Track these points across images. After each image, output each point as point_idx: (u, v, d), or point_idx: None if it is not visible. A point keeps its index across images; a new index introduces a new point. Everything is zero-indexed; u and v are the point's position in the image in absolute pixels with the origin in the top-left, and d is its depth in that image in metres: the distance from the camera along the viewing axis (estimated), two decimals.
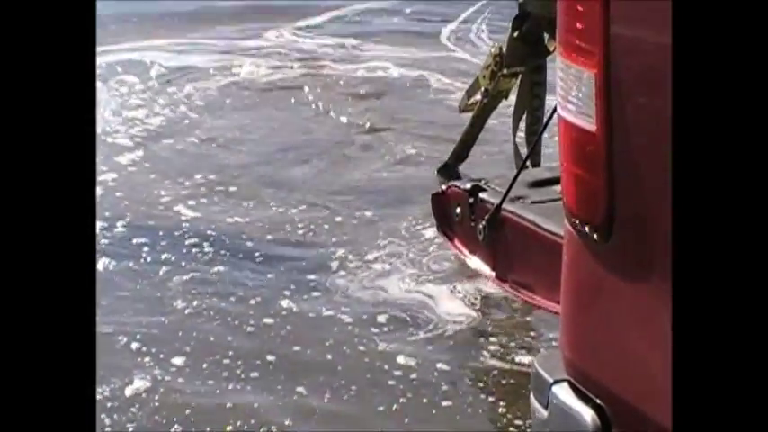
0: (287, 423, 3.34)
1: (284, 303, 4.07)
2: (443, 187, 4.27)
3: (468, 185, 4.03)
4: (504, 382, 3.57)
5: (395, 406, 3.43)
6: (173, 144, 5.90)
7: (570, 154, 1.95)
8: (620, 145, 1.84)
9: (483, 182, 4.03)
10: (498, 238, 3.84)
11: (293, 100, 6.71)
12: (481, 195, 3.95)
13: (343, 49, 7.88)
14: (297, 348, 3.76)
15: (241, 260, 4.45)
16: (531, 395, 2.15)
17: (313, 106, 6.57)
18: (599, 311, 2.00)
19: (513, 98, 4.63)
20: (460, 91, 5.37)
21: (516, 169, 4.07)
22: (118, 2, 8.15)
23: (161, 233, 4.67)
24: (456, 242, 4.16)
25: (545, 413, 2.08)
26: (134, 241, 4.60)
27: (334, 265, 4.40)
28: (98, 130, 5.79)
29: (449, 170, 4.69)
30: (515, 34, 4.34)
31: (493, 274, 3.93)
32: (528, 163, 4.16)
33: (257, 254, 4.51)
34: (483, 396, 3.50)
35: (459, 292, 4.13)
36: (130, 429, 3.30)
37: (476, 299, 4.08)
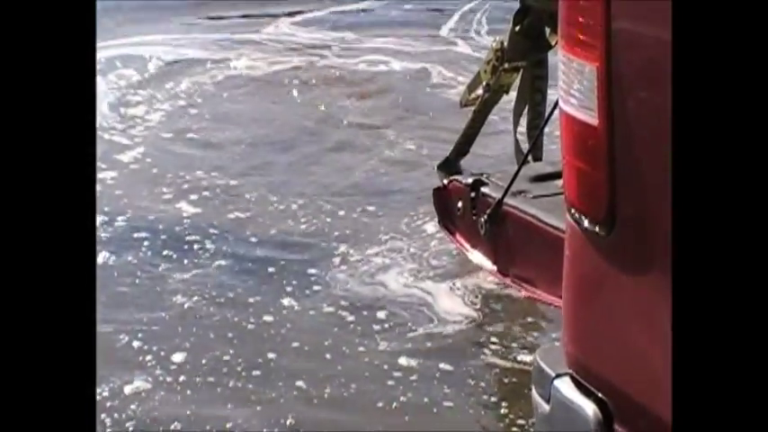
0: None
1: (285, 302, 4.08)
2: (445, 182, 4.27)
3: (470, 180, 4.02)
4: (506, 380, 3.56)
5: (394, 404, 3.42)
6: (172, 138, 5.90)
7: (572, 148, 1.95)
8: (621, 138, 1.83)
9: (484, 176, 4.03)
10: (500, 233, 3.84)
11: (293, 94, 6.70)
12: (483, 190, 3.95)
13: (343, 42, 7.87)
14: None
15: (243, 255, 4.46)
16: (533, 389, 2.15)
17: (313, 101, 6.57)
18: (601, 305, 2.00)
19: (513, 93, 4.62)
20: (462, 85, 5.36)
21: (517, 164, 4.07)
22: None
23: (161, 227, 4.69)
24: (457, 236, 4.16)
25: (547, 407, 2.08)
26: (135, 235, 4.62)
27: (336, 260, 4.41)
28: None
29: (450, 165, 4.68)
30: (517, 29, 4.33)
31: (494, 268, 3.93)
32: (529, 157, 4.16)
33: (259, 249, 4.51)
34: (485, 396, 3.48)
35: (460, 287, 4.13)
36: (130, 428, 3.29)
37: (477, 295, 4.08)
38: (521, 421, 3.30)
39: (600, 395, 1.96)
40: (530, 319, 3.93)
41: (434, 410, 3.38)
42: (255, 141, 5.86)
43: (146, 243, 4.53)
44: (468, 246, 4.08)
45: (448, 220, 4.23)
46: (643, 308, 1.87)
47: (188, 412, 3.36)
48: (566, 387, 2.04)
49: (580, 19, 1.87)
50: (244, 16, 8.62)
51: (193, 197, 5.04)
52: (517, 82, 4.52)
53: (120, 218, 4.76)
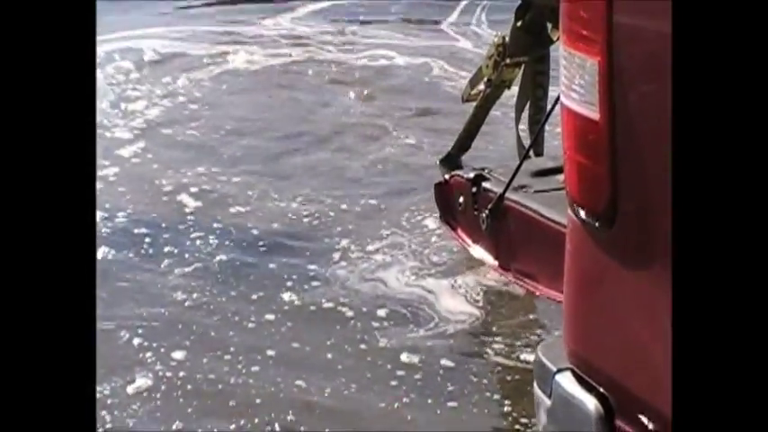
0: (288, 419, 3.33)
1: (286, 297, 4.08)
2: (446, 177, 4.26)
3: (471, 175, 4.02)
4: (509, 378, 3.55)
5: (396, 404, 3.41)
6: (171, 134, 5.89)
7: (573, 142, 1.95)
8: (623, 133, 1.83)
9: (486, 171, 4.02)
10: (501, 228, 3.84)
11: (293, 89, 6.70)
12: (484, 185, 3.94)
13: (343, 36, 7.87)
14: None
15: (245, 249, 4.45)
16: (535, 384, 2.15)
17: (313, 97, 6.56)
18: (602, 300, 2.00)
19: (515, 89, 4.62)
20: (463, 79, 5.35)
21: (519, 159, 4.06)
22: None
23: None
24: (459, 231, 4.16)
25: (548, 402, 2.08)
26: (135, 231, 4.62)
27: (336, 255, 4.40)
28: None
29: (451, 160, 4.67)
30: (518, 24, 4.33)
31: (496, 263, 3.93)
32: (531, 152, 4.15)
33: (261, 243, 4.51)
34: (488, 394, 3.46)
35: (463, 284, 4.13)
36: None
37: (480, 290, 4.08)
38: (524, 420, 3.29)
39: (601, 390, 1.96)
40: (531, 316, 3.92)
41: (437, 411, 3.37)
42: (256, 135, 5.86)
43: (147, 240, 4.53)
44: (469, 241, 4.08)
45: (449, 215, 4.22)
46: (644, 302, 1.87)
47: (189, 410, 3.35)
48: (567, 382, 2.04)
49: (581, 14, 1.87)
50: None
51: (194, 189, 5.04)
52: (519, 77, 4.52)
53: (120, 213, 4.77)
